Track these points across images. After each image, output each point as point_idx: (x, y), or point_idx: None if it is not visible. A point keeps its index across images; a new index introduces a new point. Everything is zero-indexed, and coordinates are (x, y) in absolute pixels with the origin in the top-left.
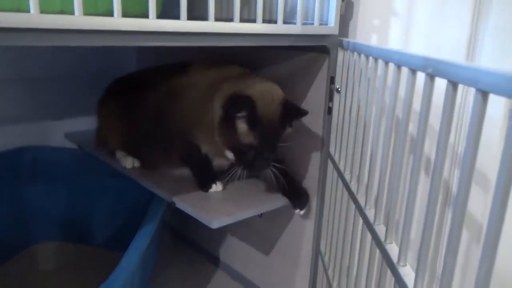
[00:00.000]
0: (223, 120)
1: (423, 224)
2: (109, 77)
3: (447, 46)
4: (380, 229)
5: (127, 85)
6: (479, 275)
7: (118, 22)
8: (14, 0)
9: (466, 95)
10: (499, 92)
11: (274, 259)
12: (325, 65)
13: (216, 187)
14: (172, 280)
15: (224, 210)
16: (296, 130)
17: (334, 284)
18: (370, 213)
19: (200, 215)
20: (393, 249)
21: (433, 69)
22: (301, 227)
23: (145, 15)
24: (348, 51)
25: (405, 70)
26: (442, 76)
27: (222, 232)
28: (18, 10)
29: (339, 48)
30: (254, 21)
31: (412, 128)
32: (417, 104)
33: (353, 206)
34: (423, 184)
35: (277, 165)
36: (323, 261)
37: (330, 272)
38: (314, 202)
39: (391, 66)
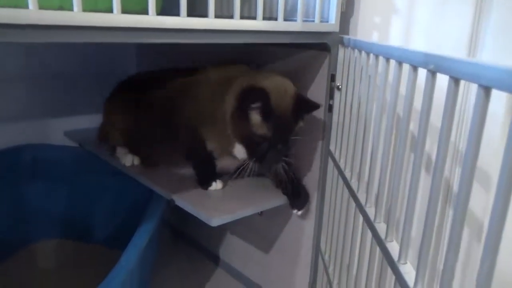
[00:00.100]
0: (236, 111)
1: (424, 222)
2: (108, 76)
3: (448, 44)
4: (381, 227)
5: (137, 83)
6: (480, 275)
7: (117, 18)
8: None
9: (468, 92)
10: (501, 88)
11: (274, 257)
12: (325, 63)
13: (216, 185)
14: (171, 278)
15: (224, 208)
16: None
17: (335, 283)
18: (370, 211)
19: (199, 213)
20: (393, 247)
21: (435, 65)
22: (301, 225)
23: (145, 12)
24: (349, 48)
25: (406, 67)
26: (444, 72)
27: (222, 230)
28: (17, 6)
29: (339, 46)
30: (254, 18)
31: (413, 125)
32: (418, 101)
33: (353, 204)
34: (424, 181)
35: (287, 159)
36: (323, 259)
37: (330, 270)
38: (314, 200)
39: (392, 62)
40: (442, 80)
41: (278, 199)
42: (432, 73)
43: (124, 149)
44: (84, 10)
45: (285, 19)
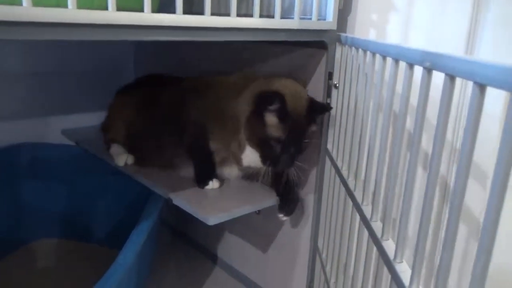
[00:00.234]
0: (253, 114)
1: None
2: (106, 74)
3: (447, 40)
4: (377, 226)
5: (148, 82)
6: (475, 271)
7: (113, 16)
8: None
9: (465, 90)
10: (496, 85)
11: (272, 256)
12: (323, 61)
13: (213, 184)
14: (169, 277)
15: (221, 207)
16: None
17: (332, 281)
18: (367, 209)
19: (196, 211)
20: (389, 246)
21: (431, 62)
22: (299, 224)
23: (142, 10)
24: (346, 46)
25: (402, 65)
26: (440, 69)
27: (220, 229)
28: (12, 3)
29: (337, 43)
30: (252, 16)
31: (410, 123)
32: (415, 99)
33: (350, 202)
34: (421, 180)
35: (300, 163)
36: (320, 258)
37: (327, 269)
38: (311, 199)
39: (389, 60)
40: (439, 77)
41: (275, 198)
42: (428, 71)
43: (119, 148)
44: (80, 7)
45: (283, 17)
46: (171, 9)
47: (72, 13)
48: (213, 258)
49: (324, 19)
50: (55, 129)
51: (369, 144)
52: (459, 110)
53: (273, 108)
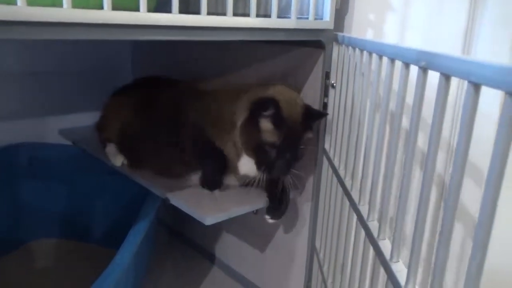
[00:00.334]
0: (248, 120)
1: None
2: (103, 74)
3: (444, 40)
4: (374, 225)
5: (146, 84)
6: (470, 270)
7: (108, 15)
8: None
9: (462, 90)
10: (491, 84)
11: (269, 255)
12: (320, 60)
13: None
14: (167, 277)
15: (218, 207)
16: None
17: (329, 281)
18: (363, 209)
19: (193, 211)
20: (386, 245)
21: (426, 62)
22: (296, 224)
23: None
24: (343, 45)
25: (399, 64)
26: (435, 69)
27: (218, 228)
28: (9, 3)
29: (334, 43)
30: (249, 15)
31: (407, 123)
32: (412, 98)
33: (347, 202)
34: (418, 179)
35: (297, 172)
36: (318, 257)
37: (325, 269)
38: (309, 199)
39: (385, 60)
40: (436, 77)
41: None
42: (424, 70)
43: (114, 148)
44: (76, 6)
45: (279, 16)
46: (168, 9)
47: (67, 12)
48: (211, 258)
49: (321, 19)
50: (53, 129)
51: (365, 144)
52: (456, 110)
53: (267, 113)
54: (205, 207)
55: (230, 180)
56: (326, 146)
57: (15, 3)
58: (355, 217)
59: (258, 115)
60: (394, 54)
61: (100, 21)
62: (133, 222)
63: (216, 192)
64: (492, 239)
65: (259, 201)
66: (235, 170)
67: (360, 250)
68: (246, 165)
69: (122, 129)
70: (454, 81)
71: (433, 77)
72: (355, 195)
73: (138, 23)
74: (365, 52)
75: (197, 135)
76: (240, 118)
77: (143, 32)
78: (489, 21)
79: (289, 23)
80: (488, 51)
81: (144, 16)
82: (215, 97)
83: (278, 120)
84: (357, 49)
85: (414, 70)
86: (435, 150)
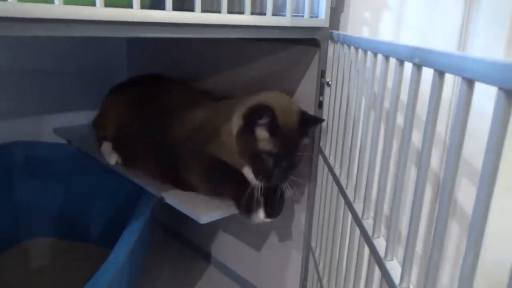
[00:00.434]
0: (243, 129)
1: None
2: (98, 73)
3: (439, 38)
4: (368, 224)
5: (145, 83)
6: (464, 267)
7: (101, 12)
8: None
9: (457, 89)
10: (484, 80)
11: (265, 254)
12: (315, 59)
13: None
14: (163, 276)
15: (213, 205)
16: None
17: (325, 280)
18: (358, 207)
19: (188, 210)
20: (380, 244)
21: (420, 58)
22: (292, 223)
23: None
24: (338, 43)
25: (393, 61)
26: (429, 65)
27: (214, 228)
28: None
29: (329, 41)
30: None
31: (402, 120)
32: (406, 96)
33: (342, 201)
34: (413, 177)
35: (295, 178)
36: (313, 256)
37: (320, 268)
38: (305, 198)
39: (380, 57)
40: (431, 74)
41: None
42: (418, 67)
43: (110, 146)
44: (68, 3)
45: (275, 14)
46: (163, 6)
47: (59, 9)
48: (207, 257)
49: (317, 17)
50: (49, 128)
51: (360, 142)
52: (451, 109)
53: (263, 122)
54: (200, 206)
55: None
56: (322, 144)
57: None
58: (350, 216)
59: (253, 123)
60: (389, 51)
61: (93, 18)
62: (128, 221)
63: None
64: (487, 237)
65: None
66: None
67: (355, 248)
68: (248, 176)
69: (117, 128)
70: (450, 79)
71: (429, 74)
72: (350, 193)
73: (131, 20)
74: (360, 50)
75: (201, 155)
76: (236, 127)
77: (136, 29)
78: (484, 20)
79: (284, 21)
80: (483, 49)
81: (137, 13)
82: (211, 108)
83: (274, 128)
84: (352, 47)
85: (409, 67)
86: (429, 146)
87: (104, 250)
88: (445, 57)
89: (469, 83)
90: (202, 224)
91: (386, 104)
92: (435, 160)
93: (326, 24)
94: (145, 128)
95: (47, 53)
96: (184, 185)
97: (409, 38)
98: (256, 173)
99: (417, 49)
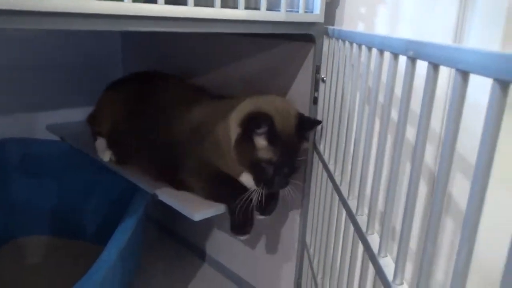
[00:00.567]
0: (241, 138)
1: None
2: (92, 69)
3: (434, 33)
4: (362, 220)
5: (140, 80)
6: (457, 263)
7: (94, 5)
8: None
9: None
10: (478, 71)
11: (260, 252)
12: (310, 54)
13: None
14: (158, 274)
15: (206, 202)
16: None
17: (319, 277)
18: (353, 204)
19: (182, 207)
20: (374, 240)
21: (414, 51)
22: (287, 220)
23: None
24: (333, 39)
25: (388, 55)
26: (423, 58)
27: (208, 225)
28: None
29: (324, 37)
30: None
31: (396, 116)
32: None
33: (337, 197)
34: (408, 174)
35: (296, 181)
36: (308, 253)
37: (314, 265)
38: (299, 195)
39: (374, 51)
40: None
41: None
42: (412, 60)
43: (104, 143)
44: None
45: (270, 10)
46: (155, 0)
47: (52, 2)
48: (202, 255)
49: (312, 12)
50: (42, 124)
51: (355, 139)
52: (447, 104)
53: (261, 131)
54: (193, 203)
55: None
56: (317, 141)
57: None
58: (344, 212)
59: (251, 132)
60: (383, 45)
61: (86, 11)
62: (121, 219)
63: None
64: (482, 233)
65: None
66: None
67: (349, 245)
68: (247, 180)
69: (112, 125)
70: (445, 74)
71: (424, 69)
72: (344, 189)
73: (124, 14)
74: (354, 45)
75: (201, 161)
76: (234, 134)
77: (129, 23)
78: (480, 17)
79: (278, 16)
80: (478, 45)
81: (129, 6)
82: (207, 108)
83: (273, 136)
84: (346, 42)
85: (404, 62)
86: (424, 140)
87: (98, 248)
88: (440, 49)
89: (464, 75)
90: (197, 222)
91: (381, 99)
92: (430, 157)
93: (321, 20)
94: (140, 126)
95: (39, 48)
96: (179, 185)
97: (405, 33)
98: (257, 181)
99: (411, 42)
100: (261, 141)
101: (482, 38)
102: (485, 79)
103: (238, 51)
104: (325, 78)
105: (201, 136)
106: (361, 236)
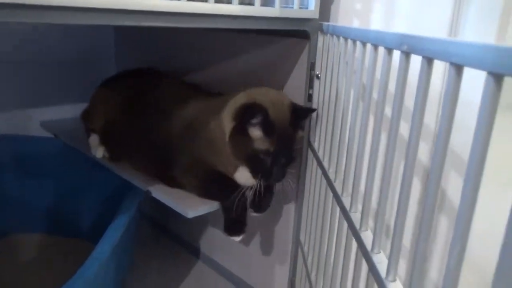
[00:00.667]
0: (236, 130)
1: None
2: (86, 66)
3: (430, 27)
4: (356, 217)
5: (135, 77)
6: (450, 259)
7: None
8: None
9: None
10: (472, 65)
11: (254, 249)
12: (305, 51)
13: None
14: (152, 271)
15: (200, 199)
16: None
17: (313, 274)
18: (346, 200)
19: (175, 204)
20: (368, 237)
21: (408, 46)
22: (281, 217)
23: None
24: (328, 35)
25: (382, 51)
26: (417, 52)
27: (202, 222)
28: None
29: (319, 33)
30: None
31: (390, 112)
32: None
33: (331, 194)
34: (402, 171)
35: (292, 170)
36: (302, 250)
37: (308, 262)
38: (293, 192)
39: (369, 47)
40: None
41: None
42: (406, 55)
43: (97, 139)
44: None
45: (264, 5)
46: None
47: None
48: (196, 252)
49: (306, 8)
50: (35, 121)
51: (349, 136)
52: (442, 101)
53: (255, 121)
54: (187, 200)
55: None
56: (311, 138)
57: None
58: (338, 209)
59: (246, 123)
60: (377, 40)
61: (81, 5)
62: (114, 216)
63: None
64: (476, 231)
65: None
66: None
67: (343, 242)
68: (244, 176)
69: (106, 122)
70: (439, 70)
71: (418, 64)
72: (338, 186)
73: (119, 8)
74: (349, 40)
75: (195, 159)
76: (228, 128)
77: (123, 18)
78: (475, 11)
79: (273, 11)
80: (474, 38)
81: (125, 1)
82: (201, 105)
83: (268, 126)
84: (341, 38)
85: (398, 58)
86: (417, 135)
87: (91, 245)
88: (434, 43)
89: (458, 68)
90: (191, 219)
91: (375, 95)
92: (425, 154)
93: (316, 16)
94: (133, 123)
95: (32, 43)
96: (172, 181)
97: (400, 28)
98: (254, 173)
99: (405, 36)
100: (256, 132)
101: (477, 32)
102: (479, 77)
103: (232, 48)
104: (319, 75)
105: (194, 133)
106: (355, 233)
